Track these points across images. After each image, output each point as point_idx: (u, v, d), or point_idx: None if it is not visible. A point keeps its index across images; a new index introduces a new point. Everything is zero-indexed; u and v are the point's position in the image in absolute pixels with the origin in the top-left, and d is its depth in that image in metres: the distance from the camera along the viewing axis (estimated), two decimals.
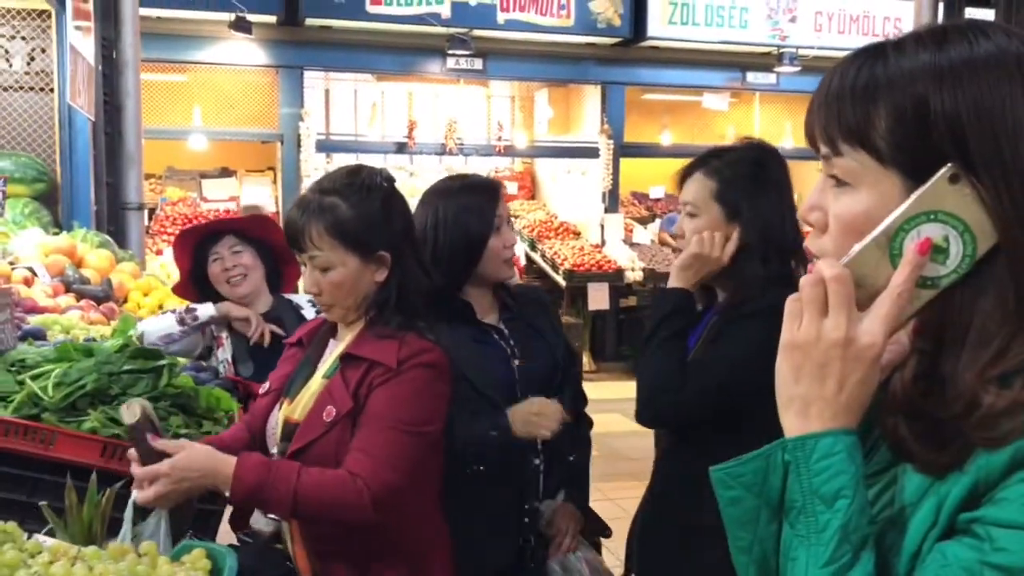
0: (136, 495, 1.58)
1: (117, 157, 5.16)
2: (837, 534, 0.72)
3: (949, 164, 0.73)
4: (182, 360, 2.48)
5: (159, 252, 8.08)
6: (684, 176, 1.96)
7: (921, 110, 0.74)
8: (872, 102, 0.76)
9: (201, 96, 8.63)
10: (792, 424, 0.77)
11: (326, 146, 9.19)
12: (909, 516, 0.75)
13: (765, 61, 9.45)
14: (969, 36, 0.76)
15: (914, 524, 0.74)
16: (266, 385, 1.89)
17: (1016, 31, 0.77)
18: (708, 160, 1.94)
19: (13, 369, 1.99)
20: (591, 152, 9.48)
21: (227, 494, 1.59)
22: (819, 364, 0.75)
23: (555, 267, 8.80)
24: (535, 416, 1.98)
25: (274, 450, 1.78)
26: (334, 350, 1.81)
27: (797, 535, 0.75)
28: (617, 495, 2.46)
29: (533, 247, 9.19)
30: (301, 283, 1.92)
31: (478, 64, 8.76)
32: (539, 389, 2.05)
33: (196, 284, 2.74)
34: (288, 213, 1.78)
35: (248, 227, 2.75)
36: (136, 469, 1.59)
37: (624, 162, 9.57)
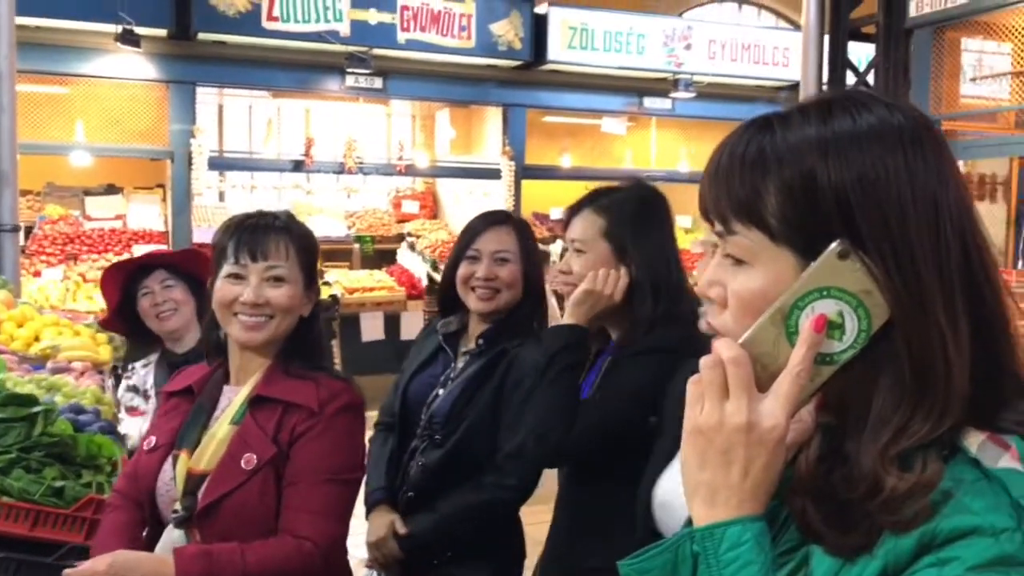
0: None
1: None
2: None
3: (838, 240, 0.73)
4: (58, 403, 2.31)
5: (37, 274, 7.63)
6: (572, 213, 1.97)
7: (809, 185, 0.74)
8: (761, 178, 0.76)
9: (84, 110, 8.21)
10: (699, 513, 0.75)
11: (219, 163, 8.88)
12: None
13: (661, 87, 9.69)
14: (852, 109, 0.75)
15: None
16: (151, 440, 1.75)
17: (897, 104, 0.77)
18: (596, 198, 1.96)
19: None
20: (493, 173, 9.50)
21: None
22: (722, 451, 0.74)
23: None
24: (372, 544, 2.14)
25: (174, 507, 1.65)
26: (234, 396, 1.72)
27: None
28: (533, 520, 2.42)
29: (435, 267, 9.12)
30: None
31: (378, 83, 8.66)
32: (432, 424, 2.15)
33: (124, 319, 2.71)
34: (233, 228, 1.75)
35: (180, 261, 2.72)
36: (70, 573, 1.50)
37: (525, 184, 9.62)
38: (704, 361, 0.76)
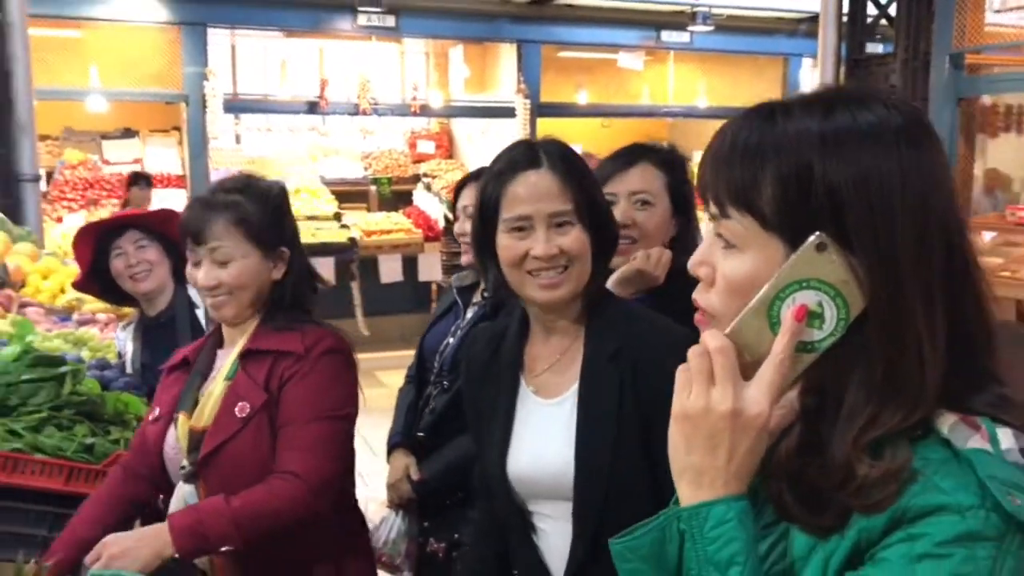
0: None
1: (7, 126, 4.88)
2: None
3: (817, 233, 0.76)
4: (85, 358, 2.38)
5: (59, 220, 7.72)
6: (624, 163, 1.89)
7: (804, 177, 0.76)
8: (760, 166, 0.78)
9: (98, 54, 8.19)
10: (685, 493, 0.80)
11: (234, 107, 8.86)
12: (799, 570, 0.78)
13: (679, 20, 9.49)
14: (852, 107, 0.78)
15: None
16: (155, 411, 1.84)
17: (896, 102, 0.79)
18: (646, 152, 1.92)
19: None
20: (508, 111, 9.41)
21: (175, 555, 1.57)
22: (708, 435, 0.78)
23: None
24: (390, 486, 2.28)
25: (182, 465, 1.74)
26: (226, 356, 1.80)
27: None
28: None
29: (451, 208, 9.12)
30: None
31: (390, 21, 8.54)
32: (442, 371, 2.27)
33: (98, 279, 2.63)
34: (187, 210, 1.80)
35: (152, 221, 2.65)
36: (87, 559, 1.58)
37: (541, 121, 9.54)
38: (692, 350, 0.80)
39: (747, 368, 0.79)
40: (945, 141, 6.40)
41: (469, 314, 2.31)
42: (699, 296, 0.85)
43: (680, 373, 0.81)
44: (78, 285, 2.68)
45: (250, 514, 1.61)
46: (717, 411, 0.77)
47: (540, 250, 1.41)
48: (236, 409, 1.69)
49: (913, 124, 0.78)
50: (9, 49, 4.83)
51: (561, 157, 1.47)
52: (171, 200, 7.64)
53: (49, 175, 8.04)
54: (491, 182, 1.50)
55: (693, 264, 0.86)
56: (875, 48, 7.29)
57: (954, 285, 0.77)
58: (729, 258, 0.82)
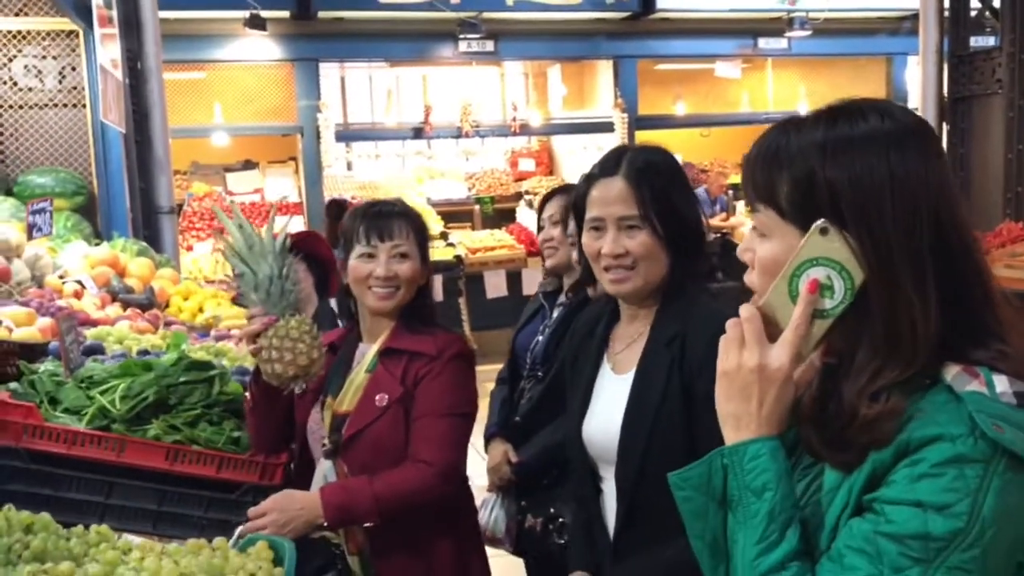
0: (241, 529, 1.83)
1: (147, 163, 5.37)
2: (766, 518, 0.93)
3: (820, 220, 0.93)
4: (227, 366, 2.68)
5: (189, 248, 8.32)
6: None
7: (809, 179, 0.95)
8: (777, 171, 0.98)
9: (221, 92, 8.82)
10: (728, 435, 0.99)
11: (345, 135, 9.36)
12: (829, 501, 0.96)
13: (776, 26, 9.46)
14: (853, 118, 0.96)
15: (832, 507, 0.95)
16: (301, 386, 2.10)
17: (891, 109, 0.97)
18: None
19: (83, 385, 2.21)
20: (606, 126, 9.57)
21: (324, 523, 1.85)
22: (741, 387, 0.97)
23: None
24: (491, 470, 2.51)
25: (323, 442, 1.99)
26: (367, 350, 2.05)
27: (736, 521, 0.96)
28: None
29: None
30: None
31: (489, 46, 8.86)
32: (535, 366, 2.50)
33: None
34: (360, 215, 2.07)
35: (298, 243, 3.02)
36: (251, 512, 1.88)
37: (640, 134, 9.65)
38: (729, 321, 0.99)
39: (775, 336, 0.97)
40: None
41: (555, 314, 2.56)
42: (746, 277, 1.04)
43: (721, 341, 1.00)
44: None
45: (390, 496, 1.87)
46: (747, 367, 0.96)
47: (607, 249, 1.61)
48: (376, 399, 1.95)
49: (901, 130, 0.95)
50: (147, 93, 5.33)
51: (640, 165, 1.64)
52: (291, 226, 8.11)
53: (179, 207, 8.67)
54: (582, 184, 1.72)
55: (740, 250, 1.05)
56: (981, 42, 7.11)
57: (949, 259, 0.93)
58: (762, 244, 1.01)
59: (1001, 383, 0.88)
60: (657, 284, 1.63)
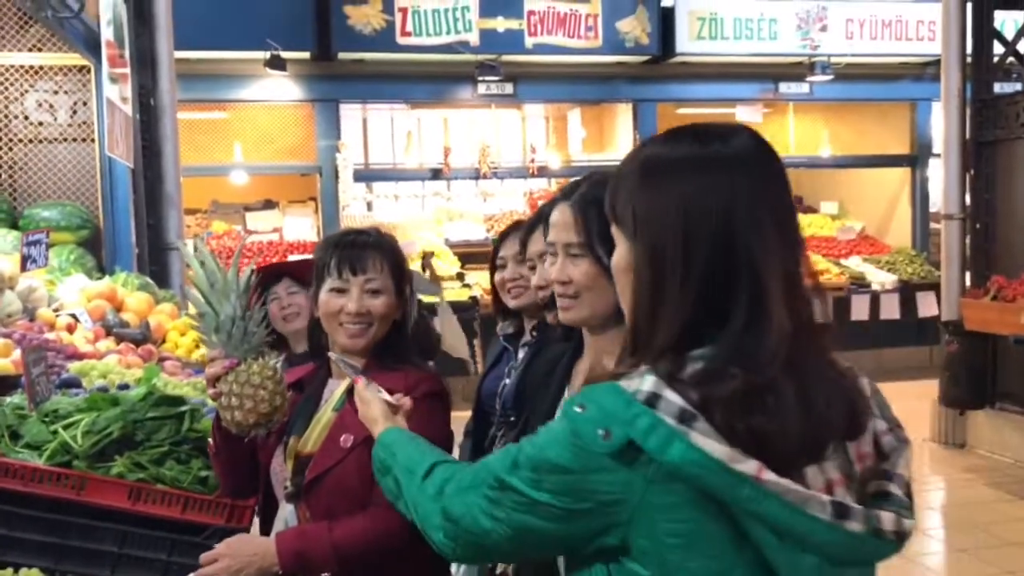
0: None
1: (157, 199, 5.37)
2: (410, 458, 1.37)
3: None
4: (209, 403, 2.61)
5: None
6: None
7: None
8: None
9: (241, 132, 8.90)
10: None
11: (364, 175, 9.39)
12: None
13: (797, 71, 9.41)
14: (658, 144, 1.13)
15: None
16: None
17: (716, 130, 1.10)
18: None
19: (47, 419, 2.14)
20: None
21: (279, 571, 1.74)
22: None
23: None
24: None
25: (285, 485, 1.88)
26: (335, 387, 1.94)
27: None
28: None
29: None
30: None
31: (509, 89, 8.88)
32: (505, 410, 2.42)
33: None
34: (333, 246, 1.96)
35: (303, 272, 2.97)
36: (203, 557, 1.76)
37: None
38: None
39: None
40: None
41: (520, 354, 2.49)
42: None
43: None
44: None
45: (350, 544, 1.74)
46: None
47: (554, 275, 1.53)
48: (341, 439, 1.83)
49: (706, 157, 1.07)
50: (160, 130, 5.35)
51: (593, 193, 1.51)
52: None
53: None
54: (547, 207, 1.66)
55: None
56: (1006, 87, 6.99)
57: (728, 279, 1.03)
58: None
59: (648, 384, 1.00)
60: (609, 313, 1.51)
